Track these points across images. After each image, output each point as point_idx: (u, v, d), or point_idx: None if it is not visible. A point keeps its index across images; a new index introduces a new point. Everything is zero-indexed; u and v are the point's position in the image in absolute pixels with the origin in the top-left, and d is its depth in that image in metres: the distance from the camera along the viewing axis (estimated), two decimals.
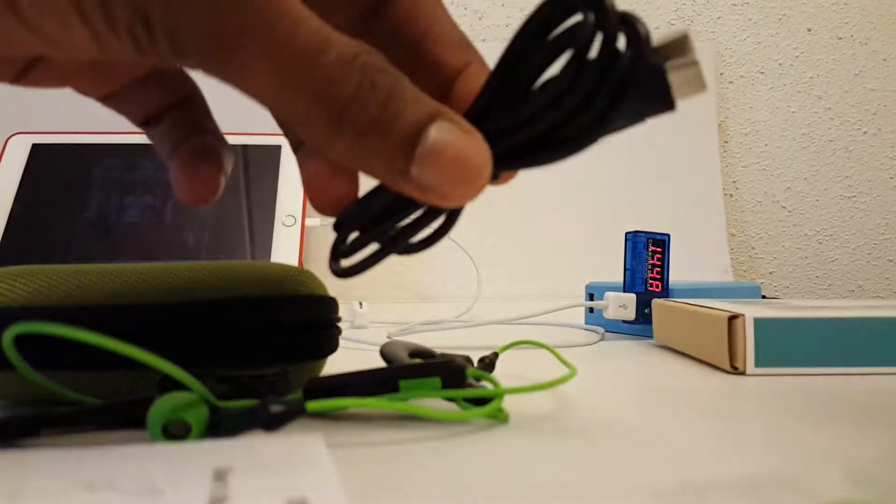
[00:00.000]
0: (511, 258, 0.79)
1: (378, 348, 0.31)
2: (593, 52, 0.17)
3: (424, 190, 0.17)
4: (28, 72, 0.21)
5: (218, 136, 0.25)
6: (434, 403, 0.25)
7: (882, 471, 0.17)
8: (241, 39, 0.16)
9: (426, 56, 0.21)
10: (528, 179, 0.85)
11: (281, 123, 0.22)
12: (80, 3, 0.16)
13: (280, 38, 0.16)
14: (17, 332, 0.19)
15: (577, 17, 0.18)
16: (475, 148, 0.17)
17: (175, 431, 0.19)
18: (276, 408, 0.20)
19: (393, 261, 0.78)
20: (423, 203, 0.19)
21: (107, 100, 0.25)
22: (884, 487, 0.17)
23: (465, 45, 0.21)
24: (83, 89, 0.24)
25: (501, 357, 0.34)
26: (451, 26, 0.21)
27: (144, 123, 0.25)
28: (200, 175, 0.24)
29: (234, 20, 0.16)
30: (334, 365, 0.29)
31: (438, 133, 0.17)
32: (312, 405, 0.21)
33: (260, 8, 0.16)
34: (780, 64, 0.90)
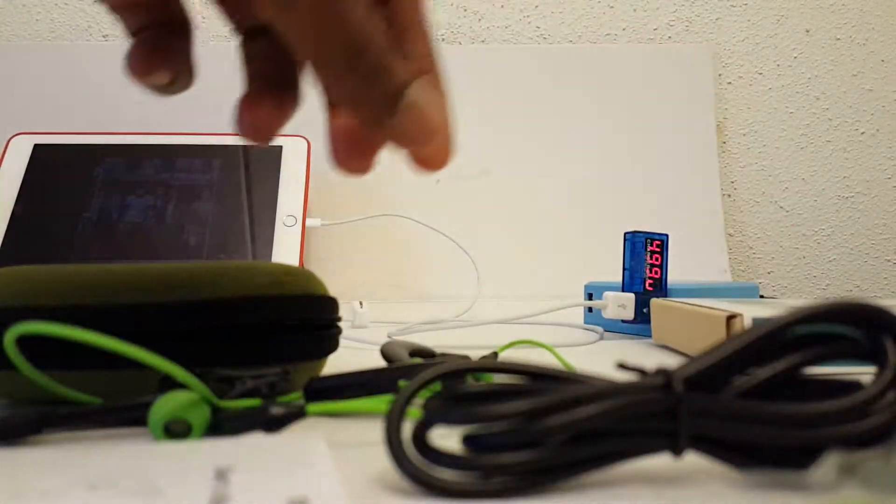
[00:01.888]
0: (511, 258, 0.80)
1: (378, 348, 0.31)
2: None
3: (398, 134, 0.21)
4: None
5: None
6: None
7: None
8: None
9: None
10: (528, 179, 0.85)
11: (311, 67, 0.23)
12: None
13: None
14: (19, 332, 0.20)
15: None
16: (441, 107, 0.21)
17: (176, 431, 0.20)
18: (276, 410, 0.20)
19: (393, 261, 0.79)
20: (403, 145, 0.22)
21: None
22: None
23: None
24: None
25: (501, 356, 0.35)
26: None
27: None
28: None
29: None
30: (335, 364, 0.29)
31: (416, 91, 0.21)
32: (313, 408, 0.21)
33: None
34: (778, 65, 0.90)
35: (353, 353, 0.38)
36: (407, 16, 0.23)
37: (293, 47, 0.20)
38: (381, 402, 0.22)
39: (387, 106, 0.21)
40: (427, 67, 0.22)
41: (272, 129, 0.24)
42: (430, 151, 0.22)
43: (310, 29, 0.20)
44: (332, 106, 0.24)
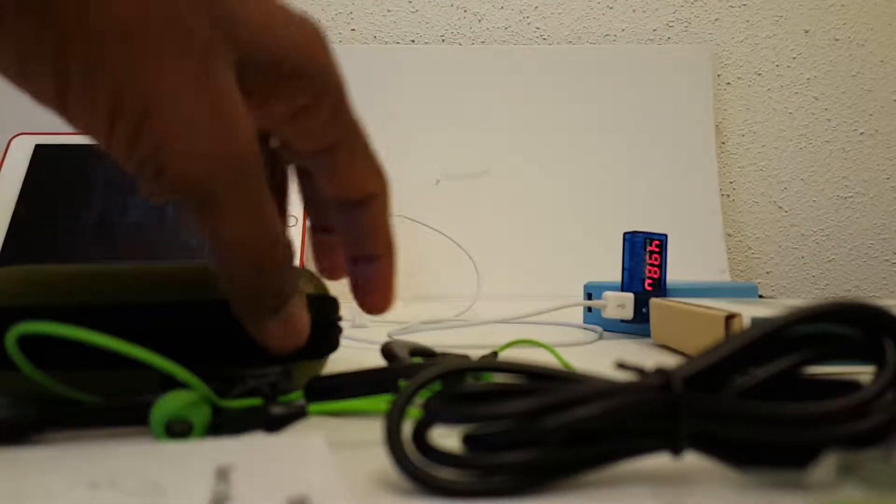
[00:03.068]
0: (511, 258, 0.80)
1: (378, 347, 0.31)
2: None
3: (271, 332, 0.24)
4: None
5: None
6: None
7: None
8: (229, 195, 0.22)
9: (337, 193, 0.27)
10: (528, 179, 0.85)
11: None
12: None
13: (254, 205, 0.23)
14: (21, 331, 0.20)
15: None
16: (303, 322, 0.25)
17: (177, 430, 0.20)
18: (277, 410, 0.20)
19: None
20: (267, 349, 0.25)
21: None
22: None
23: (378, 190, 0.27)
24: None
25: (500, 356, 0.35)
26: (370, 176, 0.27)
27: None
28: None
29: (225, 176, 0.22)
30: (335, 364, 0.29)
31: (292, 307, 0.25)
32: (314, 407, 0.21)
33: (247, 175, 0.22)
34: (777, 65, 0.90)
35: (354, 353, 0.38)
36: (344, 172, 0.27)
37: (213, 251, 0.23)
38: (381, 402, 0.22)
39: (270, 311, 0.24)
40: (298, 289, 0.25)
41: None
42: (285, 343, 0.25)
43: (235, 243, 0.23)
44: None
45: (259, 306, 0.24)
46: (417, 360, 0.28)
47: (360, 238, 0.27)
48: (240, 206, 0.22)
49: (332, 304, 0.29)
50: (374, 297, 0.28)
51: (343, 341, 0.42)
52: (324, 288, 0.28)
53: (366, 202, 0.27)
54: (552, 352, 0.31)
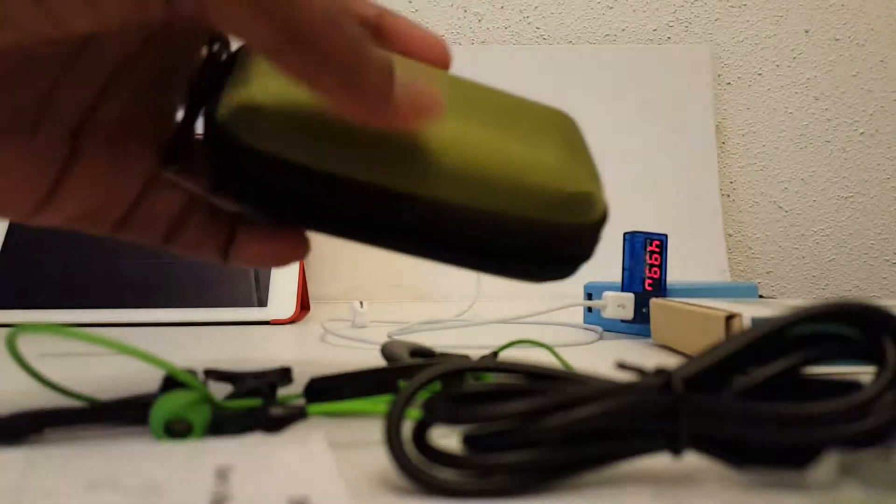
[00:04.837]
0: None
1: (378, 347, 0.31)
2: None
3: (401, 115, 0.21)
4: (42, 208, 0.23)
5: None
6: None
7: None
8: None
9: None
10: None
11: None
12: None
13: None
14: (20, 332, 0.20)
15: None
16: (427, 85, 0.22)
17: (177, 430, 0.20)
18: (276, 410, 0.20)
19: (394, 261, 0.78)
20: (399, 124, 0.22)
21: (121, 228, 0.25)
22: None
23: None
24: (94, 223, 0.25)
25: (500, 356, 0.35)
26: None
27: (166, 239, 0.26)
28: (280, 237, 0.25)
29: None
30: (336, 364, 0.29)
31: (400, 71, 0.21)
32: (314, 408, 0.21)
33: None
34: (777, 65, 0.90)
35: (354, 353, 0.38)
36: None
37: (262, 45, 0.19)
38: (381, 403, 0.22)
39: (383, 91, 0.21)
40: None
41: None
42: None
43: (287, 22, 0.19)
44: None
45: (376, 76, 0.20)
46: (417, 360, 0.28)
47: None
48: None
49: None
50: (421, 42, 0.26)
51: (343, 341, 0.42)
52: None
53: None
54: (552, 352, 0.31)
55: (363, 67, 0.20)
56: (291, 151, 0.22)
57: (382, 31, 0.25)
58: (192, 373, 0.22)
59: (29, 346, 0.41)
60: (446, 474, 0.17)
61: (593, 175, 0.28)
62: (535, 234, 0.25)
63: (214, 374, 0.24)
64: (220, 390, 0.23)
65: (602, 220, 0.27)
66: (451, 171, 0.23)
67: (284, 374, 0.23)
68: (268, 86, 0.22)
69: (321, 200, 0.23)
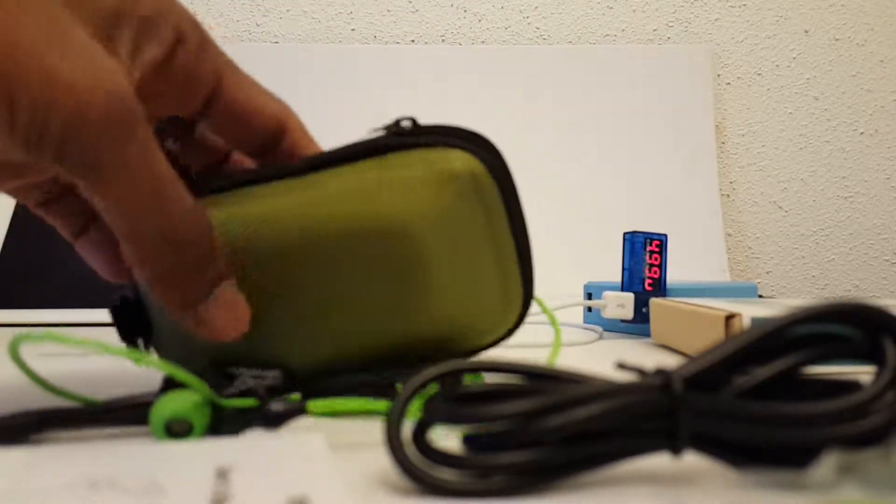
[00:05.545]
0: None
1: None
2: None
3: (201, 321, 0.23)
4: None
5: None
6: None
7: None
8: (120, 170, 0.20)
9: (251, 125, 0.26)
10: (528, 179, 0.85)
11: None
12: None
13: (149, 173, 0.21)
14: (23, 341, 0.20)
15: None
16: (242, 303, 0.24)
17: (177, 431, 0.20)
18: (276, 406, 0.20)
19: None
20: (199, 334, 0.23)
21: (39, 208, 0.28)
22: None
23: (282, 110, 0.26)
24: (23, 197, 0.27)
25: (500, 356, 0.35)
26: (267, 100, 0.26)
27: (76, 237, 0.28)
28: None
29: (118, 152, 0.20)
30: None
31: (227, 288, 0.23)
32: (313, 405, 0.21)
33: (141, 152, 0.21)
34: (777, 65, 0.90)
35: None
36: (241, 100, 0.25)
37: (113, 226, 0.21)
38: (381, 404, 0.22)
39: (196, 297, 0.23)
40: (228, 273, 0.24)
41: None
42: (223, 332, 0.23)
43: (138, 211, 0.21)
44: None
45: (187, 289, 0.22)
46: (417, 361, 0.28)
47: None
48: (133, 164, 0.20)
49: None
50: None
51: None
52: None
53: (283, 130, 0.26)
54: (551, 352, 0.31)
55: (174, 283, 0.22)
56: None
57: (219, 98, 0.25)
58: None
59: (28, 346, 0.41)
60: (446, 474, 0.17)
61: (511, 278, 0.26)
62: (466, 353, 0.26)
63: (215, 371, 0.24)
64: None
65: (525, 310, 0.27)
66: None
67: (282, 377, 0.23)
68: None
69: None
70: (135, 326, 0.26)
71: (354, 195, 0.24)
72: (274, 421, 0.20)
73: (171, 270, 0.22)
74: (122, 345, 0.25)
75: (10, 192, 0.27)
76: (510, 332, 0.27)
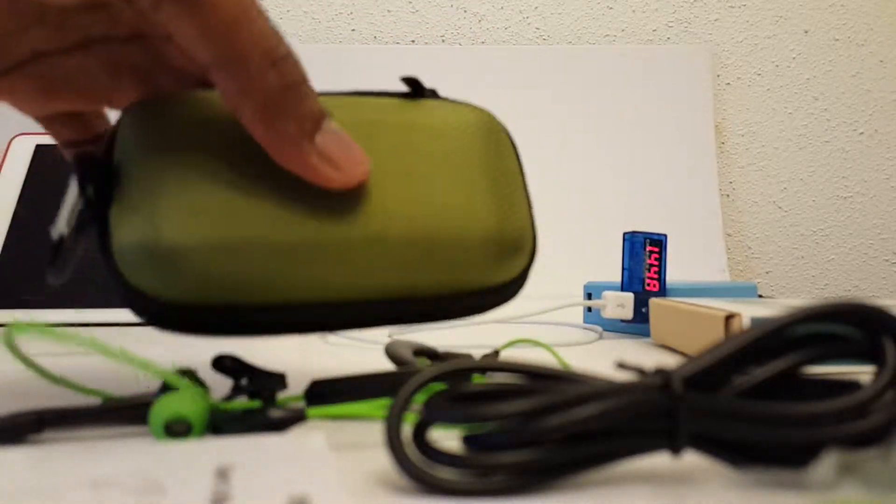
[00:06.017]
0: None
1: (380, 346, 0.31)
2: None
3: (324, 158, 0.21)
4: None
5: None
6: None
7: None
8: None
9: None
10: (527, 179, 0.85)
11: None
12: None
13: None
14: (18, 332, 0.20)
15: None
16: (351, 140, 0.22)
17: (177, 430, 0.20)
18: (276, 413, 0.20)
19: None
20: (314, 179, 0.21)
21: (43, 122, 0.27)
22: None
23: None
24: (23, 105, 0.26)
25: (501, 355, 0.35)
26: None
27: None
28: None
29: None
30: (335, 364, 0.29)
31: (332, 121, 0.21)
32: (313, 412, 0.21)
33: None
34: (776, 66, 0.90)
35: (354, 352, 0.38)
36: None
37: (212, 58, 0.20)
38: (381, 408, 0.22)
39: (311, 125, 0.21)
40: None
41: None
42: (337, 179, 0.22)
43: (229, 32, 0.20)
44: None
45: (301, 115, 0.21)
46: (423, 359, 0.28)
47: None
48: None
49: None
50: None
51: (343, 340, 0.42)
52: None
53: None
54: (552, 351, 0.31)
55: (286, 108, 0.20)
56: (210, 296, 0.21)
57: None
58: (192, 372, 0.22)
59: (27, 346, 0.41)
60: (446, 474, 0.17)
61: (518, 211, 0.27)
62: (471, 297, 0.25)
63: (224, 365, 0.23)
64: (220, 389, 0.23)
65: (532, 259, 0.27)
66: (381, 276, 0.23)
67: (281, 380, 0.23)
68: (172, 215, 0.21)
69: (252, 325, 0.22)
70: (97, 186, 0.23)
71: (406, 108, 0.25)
72: (274, 428, 0.20)
73: (280, 93, 0.20)
74: (122, 345, 0.25)
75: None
76: (523, 276, 0.27)
